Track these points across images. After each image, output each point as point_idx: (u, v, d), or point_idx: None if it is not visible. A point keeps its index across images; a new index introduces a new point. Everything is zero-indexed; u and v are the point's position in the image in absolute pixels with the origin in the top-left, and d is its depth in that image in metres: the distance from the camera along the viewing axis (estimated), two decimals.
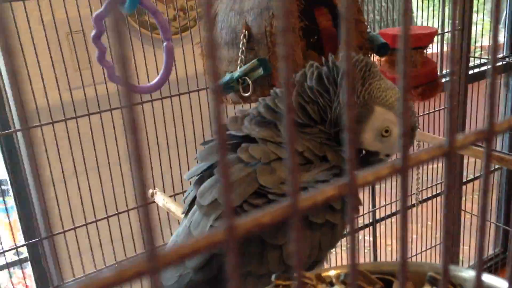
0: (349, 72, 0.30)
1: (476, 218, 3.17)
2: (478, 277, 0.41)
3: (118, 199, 2.00)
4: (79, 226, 1.96)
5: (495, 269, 3.52)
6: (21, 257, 2.30)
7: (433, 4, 3.25)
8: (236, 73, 1.42)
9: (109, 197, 2.00)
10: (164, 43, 1.28)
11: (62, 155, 1.87)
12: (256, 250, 1.04)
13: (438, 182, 3.17)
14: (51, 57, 1.78)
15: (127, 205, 2.02)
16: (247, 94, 1.43)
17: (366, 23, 1.56)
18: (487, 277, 0.69)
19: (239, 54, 1.44)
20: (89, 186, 1.94)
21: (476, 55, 3.24)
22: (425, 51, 1.88)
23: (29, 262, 2.29)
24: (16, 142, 2.02)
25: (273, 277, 0.79)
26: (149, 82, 1.96)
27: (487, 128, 0.35)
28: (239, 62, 1.44)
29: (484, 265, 3.47)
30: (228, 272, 0.31)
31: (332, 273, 0.80)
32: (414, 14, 3.59)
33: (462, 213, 3.03)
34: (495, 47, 0.36)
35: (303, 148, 1.07)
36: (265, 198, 1.03)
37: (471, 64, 3.29)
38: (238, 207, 1.02)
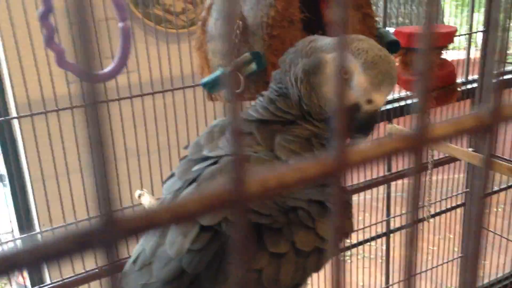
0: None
1: (492, 235, 3.00)
2: None
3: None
4: (71, 224, 1.88)
5: None
6: None
7: (462, 6, 3.09)
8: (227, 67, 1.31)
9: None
10: (120, 24, 1.14)
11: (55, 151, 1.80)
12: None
13: (459, 193, 3.00)
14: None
15: (121, 204, 1.94)
16: (239, 91, 1.32)
17: (376, 18, 1.43)
18: None
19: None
20: (83, 184, 1.86)
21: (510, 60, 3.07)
22: (443, 52, 1.73)
23: None
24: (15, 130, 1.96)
25: None
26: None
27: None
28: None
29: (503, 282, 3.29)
30: (234, 236, 0.26)
31: None
32: (446, 18, 3.42)
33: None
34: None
35: (286, 156, 0.98)
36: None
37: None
38: (217, 225, 0.96)
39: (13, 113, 1.88)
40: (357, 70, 0.95)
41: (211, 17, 1.42)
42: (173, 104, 1.88)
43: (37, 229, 2.05)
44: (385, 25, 2.59)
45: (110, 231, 0.22)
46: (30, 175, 2.02)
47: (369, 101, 0.96)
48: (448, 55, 1.88)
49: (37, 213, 2.07)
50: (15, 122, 1.87)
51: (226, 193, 0.22)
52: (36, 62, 1.66)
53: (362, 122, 0.97)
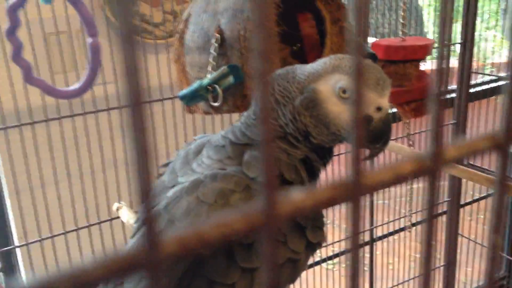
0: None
1: (471, 242, 3.02)
2: None
3: (91, 211, 1.88)
4: (57, 235, 1.85)
5: None
6: None
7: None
8: (205, 80, 1.30)
9: (80, 208, 1.88)
10: (89, 40, 1.12)
11: (42, 159, 1.77)
12: (203, 287, 0.94)
13: (439, 202, 3.03)
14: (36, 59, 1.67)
15: (98, 217, 1.91)
16: (216, 104, 1.31)
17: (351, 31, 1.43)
18: None
19: (210, 60, 1.32)
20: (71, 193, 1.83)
21: (487, 71, 3.12)
22: (421, 64, 1.75)
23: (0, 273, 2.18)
24: None
25: None
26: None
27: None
28: (209, 69, 1.32)
29: None
30: (264, 264, 0.25)
31: None
32: (426, 28, 3.46)
33: (459, 237, 2.89)
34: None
35: (254, 173, 0.96)
36: None
37: (479, 80, 3.16)
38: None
39: None
40: (351, 86, 0.94)
41: (188, 30, 1.41)
42: (151, 115, 1.87)
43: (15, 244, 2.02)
44: (365, 36, 2.61)
45: (154, 254, 0.20)
46: (6, 188, 1.99)
47: (378, 109, 0.95)
48: (427, 65, 1.90)
49: (14, 226, 2.03)
50: None
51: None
52: (10, 74, 1.64)
53: (379, 131, 0.96)
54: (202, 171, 1.01)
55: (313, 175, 1.04)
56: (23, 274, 2.13)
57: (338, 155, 2.31)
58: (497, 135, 0.25)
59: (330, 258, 3.03)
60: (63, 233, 1.85)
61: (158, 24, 2.14)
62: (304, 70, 0.99)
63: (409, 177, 0.24)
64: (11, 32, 1.05)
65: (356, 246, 0.23)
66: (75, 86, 1.18)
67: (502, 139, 0.25)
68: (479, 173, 1.75)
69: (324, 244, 2.76)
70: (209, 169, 1.00)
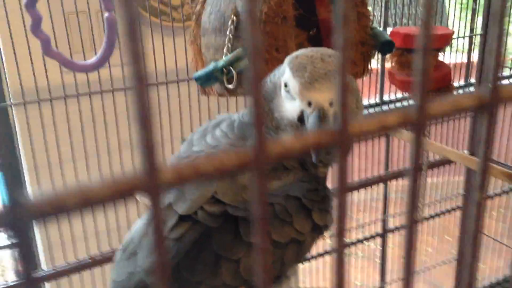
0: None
1: (489, 239, 2.99)
2: None
3: None
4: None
5: None
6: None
7: (466, 9, 3.08)
8: (221, 62, 1.31)
9: None
10: (105, 14, 1.12)
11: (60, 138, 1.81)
12: (210, 260, 0.96)
13: (454, 195, 3.00)
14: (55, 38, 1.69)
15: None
16: (231, 86, 1.31)
17: (371, 17, 1.42)
18: None
19: (226, 42, 1.32)
20: (87, 170, 1.87)
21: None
22: (439, 54, 1.73)
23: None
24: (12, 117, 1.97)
25: None
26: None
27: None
28: (225, 51, 1.33)
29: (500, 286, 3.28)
30: (254, 201, 0.26)
31: None
32: (450, 21, 3.41)
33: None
34: None
35: None
36: (222, 204, 0.97)
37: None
38: (194, 214, 0.98)
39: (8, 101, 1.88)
40: (291, 79, 0.93)
41: (205, 11, 1.42)
42: (167, 97, 1.88)
43: None
44: (386, 26, 2.58)
45: (154, 180, 0.22)
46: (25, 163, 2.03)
47: (309, 104, 0.90)
48: (448, 57, 1.87)
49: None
50: (11, 110, 1.88)
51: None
52: (30, 51, 1.66)
53: (311, 126, 0.90)
54: (212, 143, 1.04)
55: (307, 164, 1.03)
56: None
57: None
58: (483, 95, 0.25)
59: (343, 246, 3.02)
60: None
61: (177, 6, 2.15)
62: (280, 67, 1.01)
63: (393, 128, 0.25)
64: (31, 5, 1.06)
65: (344, 196, 0.24)
66: (91, 60, 1.20)
67: (487, 99, 0.25)
68: (496, 166, 1.73)
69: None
70: (217, 142, 1.04)
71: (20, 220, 0.21)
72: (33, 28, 1.10)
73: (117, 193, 0.22)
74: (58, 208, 0.22)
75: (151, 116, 0.23)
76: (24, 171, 2.09)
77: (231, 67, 1.30)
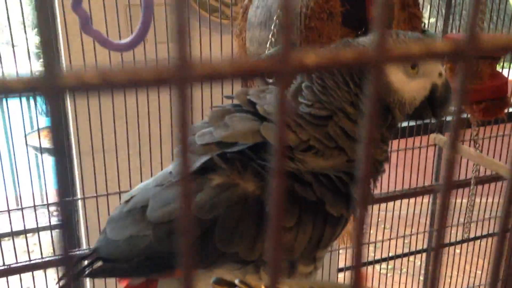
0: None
1: None
2: None
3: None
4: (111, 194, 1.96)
5: None
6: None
7: None
8: (262, 56, 1.29)
9: (135, 176, 1.95)
10: None
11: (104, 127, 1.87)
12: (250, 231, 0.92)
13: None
14: (106, 27, 1.74)
15: None
16: (271, 81, 1.30)
17: (422, 19, 1.36)
18: None
19: (270, 37, 1.31)
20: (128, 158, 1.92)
21: None
22: (496, 62, 1.63)
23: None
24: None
25: (212, 279, 0.66)
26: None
27: None
28: (268, 45, 1.31)
29: None
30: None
31: None
32: None
33: None
34: None
35: (307, 137, 0.98)
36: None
37: None
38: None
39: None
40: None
41: (252, 5, 1.41)
42: (210, 93, 1.89)
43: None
44: (446, 30, 2.49)
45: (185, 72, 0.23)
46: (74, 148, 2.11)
47: (440, 74, 0.98)
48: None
49: (82, 186, 2.13)
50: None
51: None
52: (82, 44, 1.72)
53: (445, 95, 0.98)
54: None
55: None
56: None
57: None
58: (460, 42, 0.24)
59: (384, 260, 2.94)
60: (117, 193, 1.95)
61: (229, 4, 2.16)
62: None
63: (441, 55, 0.24)
64: (79, 2, 1.09)
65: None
66: (126, 39, 1.22)
67: (464, 46, 0.24)
68: None
69: (375, 245, 2.69)
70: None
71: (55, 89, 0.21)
72: (74, 4, 1.14)
73: (143, 80, 0.23)
74: (104, 81, 0.22)
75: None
76: (74, 157, 2.17)
77: None
